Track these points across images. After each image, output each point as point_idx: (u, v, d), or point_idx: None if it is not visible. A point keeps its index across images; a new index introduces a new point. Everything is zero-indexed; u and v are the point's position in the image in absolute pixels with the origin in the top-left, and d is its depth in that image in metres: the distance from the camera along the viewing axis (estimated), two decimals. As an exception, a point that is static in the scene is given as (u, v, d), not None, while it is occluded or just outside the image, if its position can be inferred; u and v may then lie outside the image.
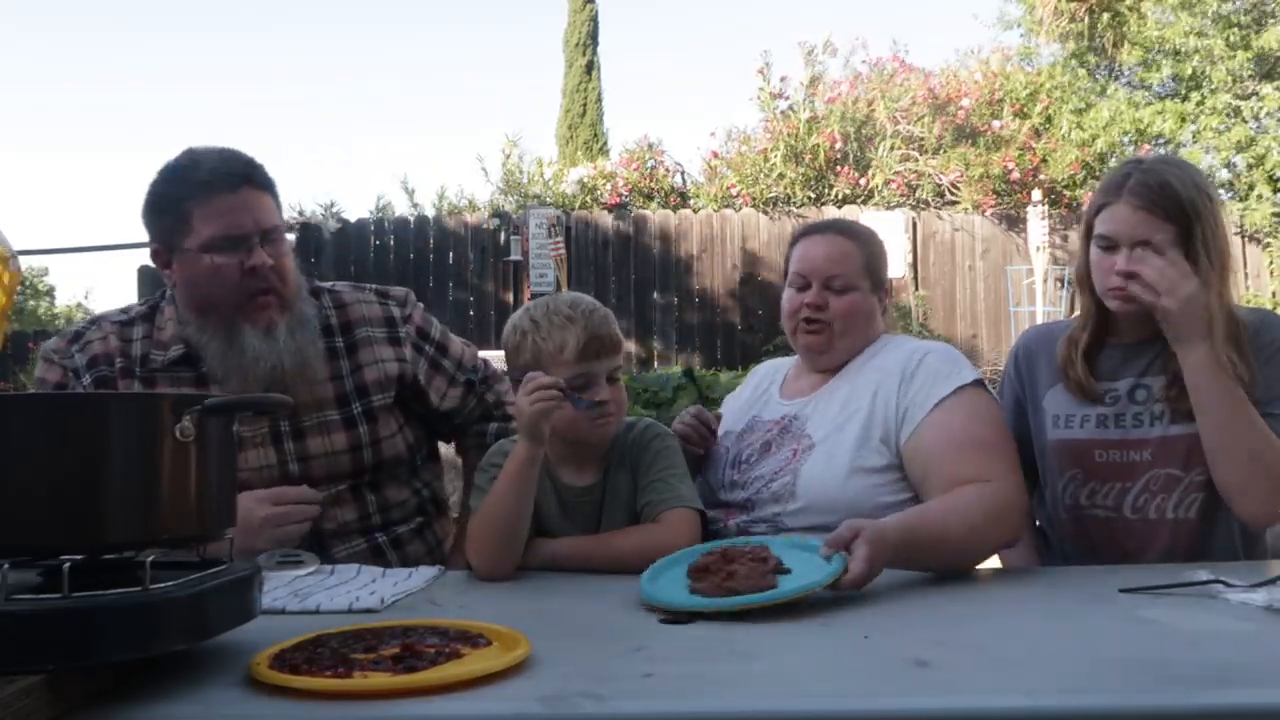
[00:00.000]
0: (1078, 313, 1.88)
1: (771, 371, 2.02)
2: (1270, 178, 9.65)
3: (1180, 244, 1.66)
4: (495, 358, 2.21)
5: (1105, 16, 10.97)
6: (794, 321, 1.84)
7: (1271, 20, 10.13)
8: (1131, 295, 1.66)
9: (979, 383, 1.72)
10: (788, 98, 10.51)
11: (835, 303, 1.81)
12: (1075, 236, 9.36)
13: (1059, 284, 9.06)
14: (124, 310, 1.94)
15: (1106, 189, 1.74)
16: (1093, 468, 1.77)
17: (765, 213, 9.86)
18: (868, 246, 1.86)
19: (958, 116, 9.92)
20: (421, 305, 2.08)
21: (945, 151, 9.75)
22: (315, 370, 1.85)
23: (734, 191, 10.13)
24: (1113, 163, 9.84)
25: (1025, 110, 10.07)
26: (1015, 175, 9.49)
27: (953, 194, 9.63)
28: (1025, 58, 11.76)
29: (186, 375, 1.83)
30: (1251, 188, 9.68)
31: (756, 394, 1.97)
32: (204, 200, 1.73)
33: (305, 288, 1.90)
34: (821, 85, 10.48)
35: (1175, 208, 1.66)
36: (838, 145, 9.94)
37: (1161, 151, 10.23)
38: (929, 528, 1.51)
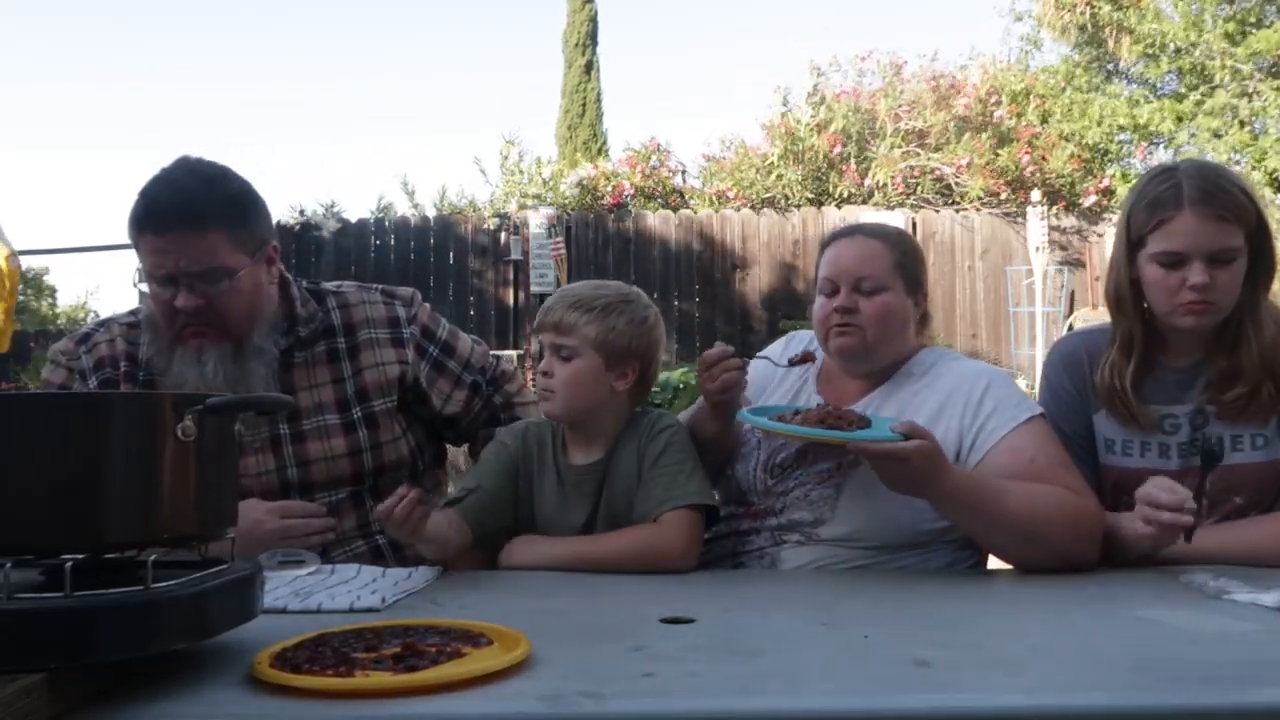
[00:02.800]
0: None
1: (810, 345, 1.92)
2: (1271, 178, 9.64)
3: (1245, 246, 1.63)
4: (500, 357, 2.19)
5: (1107, 9, 10.96)
6: (825, 328, 1.77)
7: (1273, 17, 10.13)
8: (1209, 306, 1.62)
9: (1044, 415, 1.70)
10: (791, 107, 10.54)
11: (866, 305, 1.73)
12: (1075, 236, 9.38)
13: (1058, 284, 9.06)
14: (132, 313, 1.93)
15: (1160, 203, 1.65)
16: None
17: (765, 213, 9.86)
18: (899, 247, 1.79)
19: (962, 107, 9.93)
20: (428, 305, 2.04)
21: (950, 145, 9.75)
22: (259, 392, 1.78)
23: (730, 195, 10.14)
24: (1108, 164, 9.84)
25: (1021, 109, 10.08)
26: (1030, 169, 9.47)
27: (958, 184, 9.61)
28: (1033, 45, 11.81)
29: None
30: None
31: (791, 374, 1.90)
32: (140, 237, 1.71)
33: (267, 319, 1.82)
34: (827, 91, 10.50)
35: (1240, 210, 1.62)
36: (837, 150, 9.95)
37: (1158, 149, 10.25)
38: (989, 485, 1.56)
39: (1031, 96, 10.22)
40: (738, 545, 1.74)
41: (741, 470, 1.80)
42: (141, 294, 1.83)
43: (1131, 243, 1.70)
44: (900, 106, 10.05)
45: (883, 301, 1.74)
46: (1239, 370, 1.66)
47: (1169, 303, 1.65)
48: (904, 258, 1.78)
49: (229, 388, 1.73)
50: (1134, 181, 1.81)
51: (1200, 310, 1.63)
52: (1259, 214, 1.65)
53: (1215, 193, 1.61)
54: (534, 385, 1.68)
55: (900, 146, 9.87)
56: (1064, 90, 10.41)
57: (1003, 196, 9.50)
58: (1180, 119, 10.08)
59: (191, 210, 1.69)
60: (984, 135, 9.78)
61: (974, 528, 1.60)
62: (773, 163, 10.00)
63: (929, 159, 9.73)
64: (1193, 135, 10.05)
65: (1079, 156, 9.65)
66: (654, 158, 10.56)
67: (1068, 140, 9.71)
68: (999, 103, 10.03)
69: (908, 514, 1.64)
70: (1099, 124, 9.76)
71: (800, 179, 9.99)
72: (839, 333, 1.75)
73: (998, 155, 9.55)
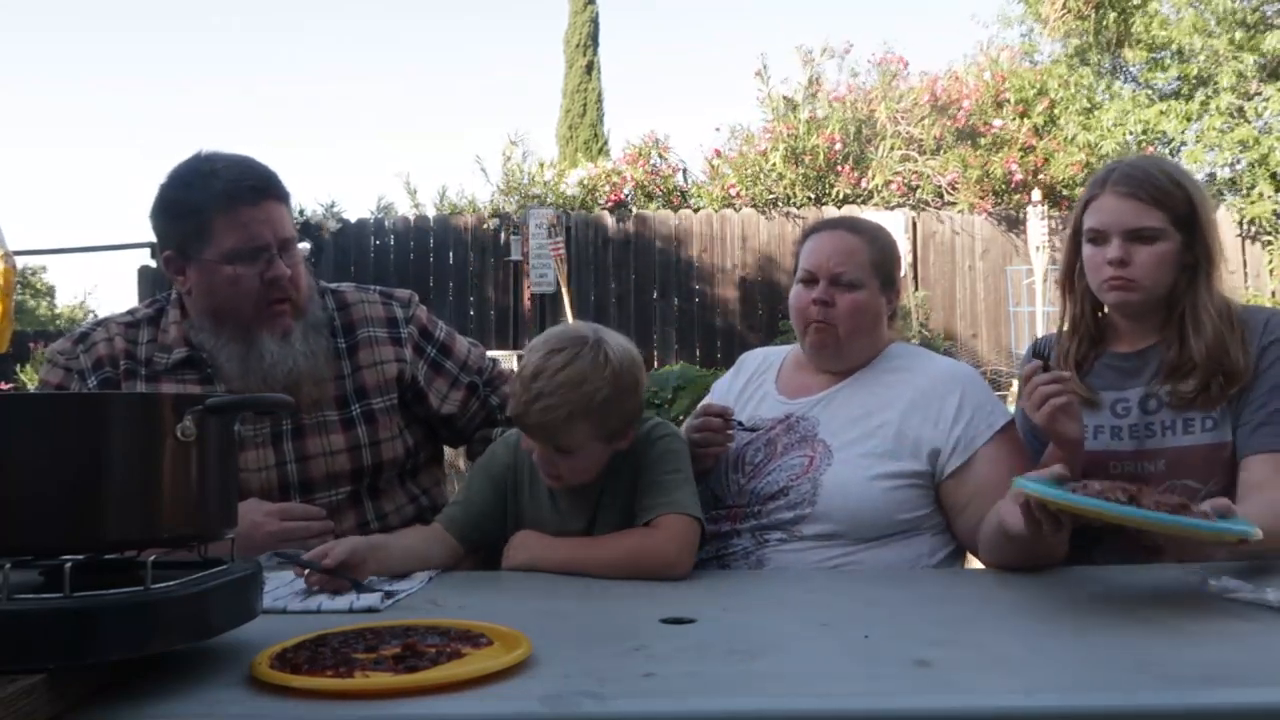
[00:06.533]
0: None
1: (763, 363, 1.98)
2: (1272, 176, 9.65)
3: (1173, 230, 1.69)
4: (500, 357, 2.20)
5: (1111, 15, 10.94)
6: (803, 319, 1.81)
7: (1277, 22, 10.12)
8: (1128, 282, 1.69)
9: (1012, 420, 1.77)
10: (790, 99, 10.52)
11: (841, 299, 1.77)
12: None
13: (1059, 284, 9.05)
14: (130, 312, 1.94)
15: (1093, 184, 1.77)
16: (1109, 480, 1.74)
17: (765, 213, 9.86)
18: (877, 243, 1.83)
19: (958, 118, 9.91)
20: (425, 308, 2.07)
21: (945, 152, 9.75)
22: (324, 370, 1.87)
23: (734, 192, 10.13)
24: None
25: (1028, 111, 10.06)
26: (1018, 177, 9.47)
27: (950, 195, 9.63)
28: (1027, 55, 11.75)
29: (191, 378, 1.84)
30: (1253, 186, 9.69)
31: (750, 387, 1.94)
32: (226, 211, 1.73)
33: (315, 290, 1.92)
34: (822, 87, 10.48)
35: (1161, 194, 1.69)
36: (837, 146, 9.94)
37: (1164, 151, 10.23)
38: None
39: (1040, 98, 10.18)
40: (720, 548, 1.74)
41: (713, 480, 1.82)
42: (166, 289, 1.86)
43: (1076, 229, 1.80)
44: (899, 111, 10.04)
45: (857, 298, 1.78)
46: (1190, 363, 1.71)
47: (1096, 279, 1.75)
48: (881, 256, 1.83)
49: (310, 363, 1.82)
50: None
51: (1120, 286, 1.72)
52: (1190, 202, 1.71)
53: (1138, 177, 1.71)
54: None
55: (899, 149, 9.86)
56: (1074, 93, 10.34)
57: (992, 206, 9.49)
58: (1189, 119, 10.06)
59: (276, 183, 1.80)
60: (981, 145, 9.76)
61: None
62: (775, 164, 9.99)
63: (925, 165, 9.72)
64: (1199, 136, 10.03)
65: (1085, 163, 9.63)
66: (654, 153, 10.56)
67: (1075, 145, 9.68)
68: (1005, 104, 10.00)
69: (885, 505, 1.67)
70: (1112, 131, 9.75)
71: (801, 179, 9.99)
72: (815, 329, 1.80)
73: (990, 162, 9.53)
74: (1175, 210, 1.70)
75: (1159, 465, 1.72)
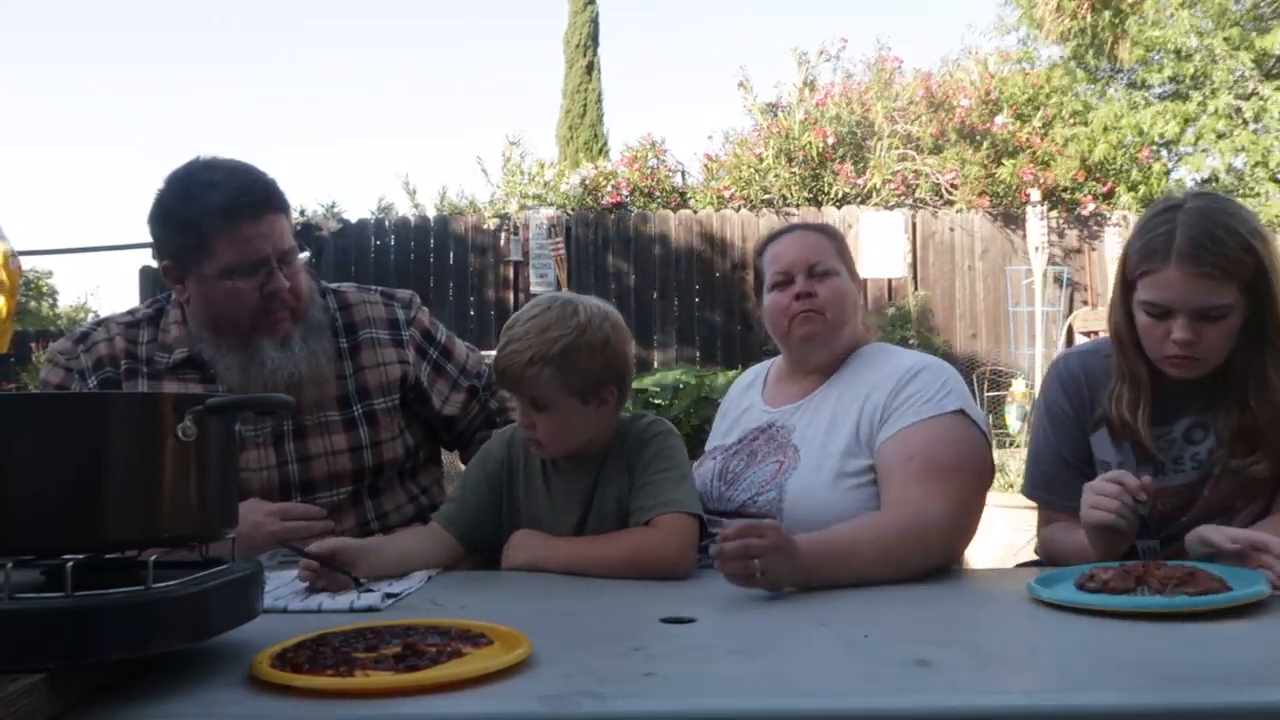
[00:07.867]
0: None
1: (752, 379, 2.01)
2: (1274, 178, 9.65)
3: (1241, 299, 1.57)
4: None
5: (1106, 15, 10.95)
6: (785, 319, 1.80)
7: (1274, 20, 10.13)
8: (1193, 361, 1.59)
9: (960, 412, 1.68)
10: (776, 103, 10.53)
11: (822, 288, 1.78)
12: (1074, 236, 9.38)
13: (1058, 284, 9.06)
14: (130, 312, 1.94)
15: (1150, 250, 1.59)
16: (1152, 513, 1.66)
17: (764, 213, 9.86)
18: (836, 239, 1.89)
19: (956, 115, 9.90)
20: (426, 309, 2.07)
21: (944, 150, 9.74)
22: (326, 371, 1.87)
23: (729, 194, 10.14)
24: (1110, 175, 9.84)
25: (1023, 114, 10.06)
26: (1032, 189, 9.46)
27: (949, 194, 9.63)
28: (1025, 60, 11.73)
29: (192, 376, 1.84)
30: (1252, 188, 9.70)
31: (743, 403, 1.96)
32: (225, 226, 1.71)
33: (316, 292, 1.93)
34: (816, 88, 10.48)
35: (1231, 264, 1.54)
36: (830, 142, 9.93)
37: (1160, 153, 10.22)
38: (838, 542, 1.49)
39: (1034, 103, 10.18)
40: (713, 556, 1.75)
41: (700, 490, 1.81)
42: (169, 296, 1.85)
43: (1126, 283, 1.67)
44: (895, 109, 10.03)
45: (835, 285, 1.80)
46: (1256, 437, 1.62)
47: (1156, 351, 1.64)
48: (842, 248, 1.87)
49: (312, 365, 1.82)
50: (1138, 192, 1.78)
51: (1185, 365, 1.61)
52: (1259, 266, 1.56)
53: (1206, 246, 1.54)
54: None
55: (897, 148, 9.86)
56: (1064, 95, 10.34)
57: (990, 205, 9.48)
58: (1186, 121, 10.05)
59: (273, 193, 1.79)
60: (983, 145, 9.74)
61: (832, 581, 1.50)
62: (769, 164, 9.99)
63: (924, 164, 9.72)
64: (1198, 138, 10.02)
65: (1084, 168, 9.62)
66: (651, 156, 10.56)
67: (1069, 146, 9.68)
68: (999, 108, 10.00)
69: (849, 505, 1.65)
70: (1105, 132, 9.74)
71: (797, 179, 9.98)
72: (803, 320, 1.79)
73: (1000, 166, 9.52)
74: (1245, 278, 1.55)
75: (1203, 491, 1.69)
